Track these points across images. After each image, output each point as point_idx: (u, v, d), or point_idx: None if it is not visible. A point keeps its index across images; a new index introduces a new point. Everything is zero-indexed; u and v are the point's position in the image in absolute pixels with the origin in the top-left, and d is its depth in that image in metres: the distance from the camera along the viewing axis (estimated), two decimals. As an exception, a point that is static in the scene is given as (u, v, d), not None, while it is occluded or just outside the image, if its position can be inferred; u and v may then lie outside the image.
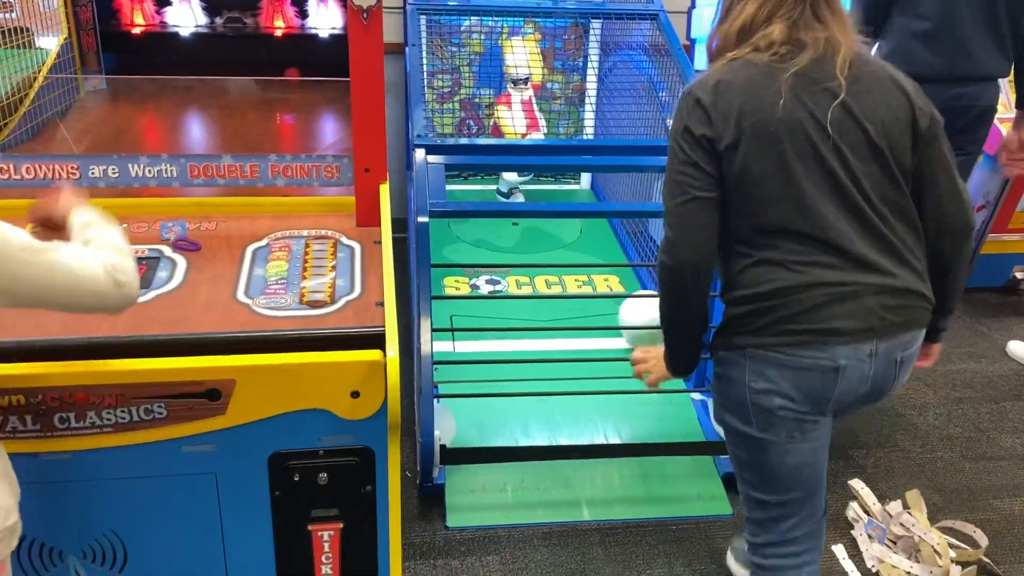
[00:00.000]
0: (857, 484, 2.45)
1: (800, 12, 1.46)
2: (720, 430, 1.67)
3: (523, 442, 2.53)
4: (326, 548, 1.57)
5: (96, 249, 1.20)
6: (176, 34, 3.34)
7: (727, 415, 1.59)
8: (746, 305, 1.49)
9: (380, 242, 1.82)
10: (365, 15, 1.80)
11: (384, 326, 1.49)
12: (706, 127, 1.44)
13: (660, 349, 1.70)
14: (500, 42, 3.87)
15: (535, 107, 3.80)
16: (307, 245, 1.83)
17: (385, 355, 1.42)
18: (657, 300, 1.60)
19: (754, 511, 1.67)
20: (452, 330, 2.84)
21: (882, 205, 1.46)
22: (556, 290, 3.37)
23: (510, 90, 3.74)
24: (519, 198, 4.00)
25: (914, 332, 1.52)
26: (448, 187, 4.14)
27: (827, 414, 1.53)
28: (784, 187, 1.43)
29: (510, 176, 4.08)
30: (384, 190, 1.92)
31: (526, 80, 3.72)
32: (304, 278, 1.69)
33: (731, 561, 2.18)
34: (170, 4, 3.33)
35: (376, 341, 1.47)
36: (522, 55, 3.67)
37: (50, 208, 1.34)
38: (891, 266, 1.46)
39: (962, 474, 2.63)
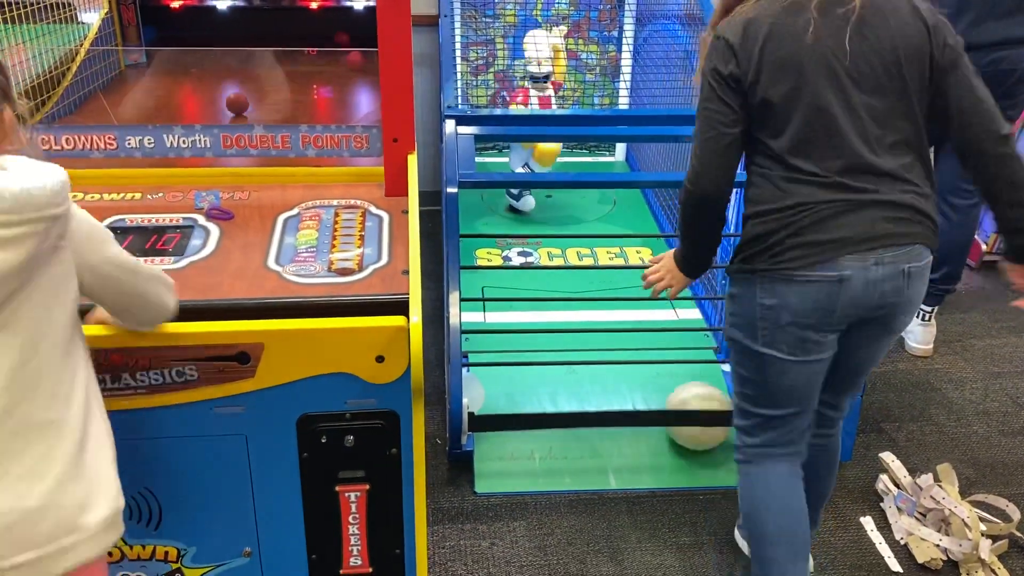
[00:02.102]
0: (888, 457, 2.43)
1: None
2: (729, 345, 1.77)
3: (551, 411, 2.55)
4: (353, 509, 1.61)
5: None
6: (214, 8, 3.38)
7: (736, 331, 1.69)
8: (766, 223, 1.58)
9: (408, 211, 1.85)
10: (393, -15, 1.80)
11: (408, 293, 1.51)
12: (733, 66, 1.54)
13: (669, 259, 1.83)
14: (534, 13, 3.85)
15: (553, 106, 3.58)
16: (337, 214, 1.86)
17: (409, 321, 1.45)
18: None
19: (746, 419, 1.78)
20: (483, 300, 2.86)
21: (892, 134, 1.53)
22: (588, 262, 3.37)
23: (528, 86, 3.51)
24: (530, 201, 3.72)
25: (919, 247, 1.58)
26: (483, 159, 4.17)
27: (833, 329, 1.60)
28: (803, 112, 1.52)
29: (516, 165, 3.75)
30: (412, 160, 1.94)
31: (547, 78, 3.49)
32: (333, 247, 1.72)
33: (738, 536, 2.18)
34: (208, -22, 3.37)
35: (401, 308, 1.49)
36: (544, 49, 3.44)
37: None
38: (895, 185, 1.54)
39: (997, 448, 2.59)
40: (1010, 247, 1.60)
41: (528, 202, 3.69)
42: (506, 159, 4.22)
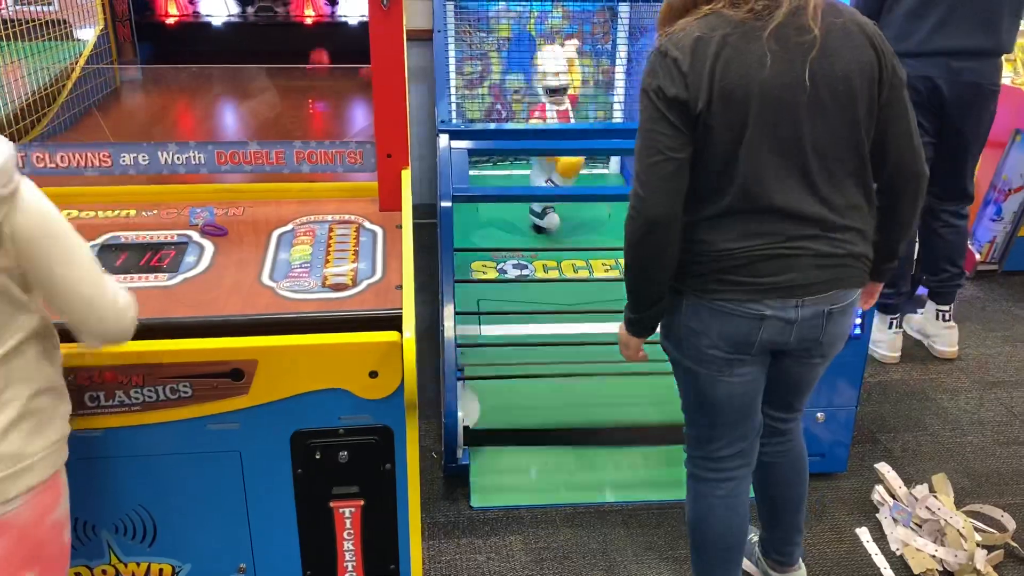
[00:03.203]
0: (883, 468, 2.44)
1: None
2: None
3: (547, 425, 2.56)
4: (347, 524, 1.61)
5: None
6: (209, 24, 3.41)
7: (667, 343, 1.70)
8: (695, 254, 1.55)
9: (402, 226, 1.86)
10: (385, 2, 1.82)
11: (402, 308, 1.52)
12: (681, 89, 1.44)
13: (620, 333, 1.76)
14: (528, 27, 3.87)
15: (572, 120, 3.49)
16: (331, 230, 1.87)
17: (402, 336, 1.45)
18: None
19: (690, 428, 1.79)
20: (478, 313, 2.87)
21: (837, 168, 1.50)
22: (583, 274, 3.38)
23: (545, 100, 3.43)
24: (554, 218, 3.64)
25: (847, 290, 1.59)
26: (479, 172, 4.18)
27: (755, 356, 1.62)
28: (752, 154, 1.46)
29: (538, 180, 3.65)
30: (406, 175, 1.95)
31: (564, 90, 3.41)
32: (327, 262, 1.72)
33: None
34: (203, -6, 3.40)
35: (394, 323, 1.50)
36: (560, 62, 3.38)
37: None
38: (834, 229, 1.52)
39: (993, 458, 2.60)
40: (874, 270, 1.65)
41: (553, 220, 3.63)
42: (503, 172, 4.24)
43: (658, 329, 1.71)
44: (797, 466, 1.89)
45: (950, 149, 2.82)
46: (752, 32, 1.43)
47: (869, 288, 1.75)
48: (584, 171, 4.36)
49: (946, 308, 3.08)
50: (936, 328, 3.11)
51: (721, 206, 1.50)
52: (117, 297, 1.27)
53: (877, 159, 1.55)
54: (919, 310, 3.22)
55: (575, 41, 3.51)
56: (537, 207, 3.67)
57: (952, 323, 3.09)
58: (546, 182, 3.54)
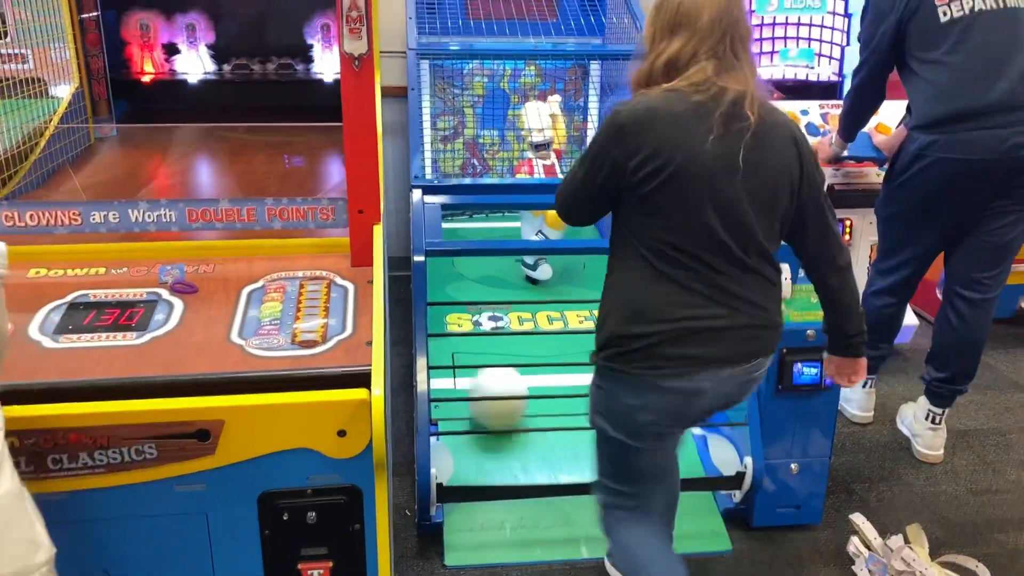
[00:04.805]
0: (858, 519, 2.43)
1: (723, 50, 1.56)
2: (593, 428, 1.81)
3: (522, 479, 2.53)
4: (316, 586, 1.58)
5: None
6: (185, 81, 3.44)
7: (600, 419, 1.73)
8: (632, 326, 1.60)
9: (373, 281, 1.86)
10: (356, 63, 1.85)
11: (371, 365, 1.51)
12: (625, 155, 1.55)
13: None
14: (502, 84, 3.93)
15: (559, 175, 3.47)
16: (302, 286, 1.87)
17: (370, 393, 1.45)
18: None
19: (608, 497, 1.82)
20: (453, 367, 2.86)
21: (762, 247, 1.60)
22: (558, 326, 3.39)
23: (531, 156, 3.48)
24: (547, 269, 3.67)
25: (766, 357, 1.69)
26: (455, 225, 4.21)
27: (687, 427, 1.73)
28: (691, 223, 1.55)
29: (528, 233, 3.65)
30: (378, 231, 1.96)
31: (548, 145, 3.46)
32: (297, 318, 1.72)
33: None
34: (179, 52, 3.44)
35: (363, 380, 1.50)
36: (544, 117, 3.43)
37: None
38: (758, 306, 1.62)
39: (966, 508, 2.60)
40: (830, 346, 1.83)
41: (545, 271, 3.67)
42: (478, 224, 4.26)
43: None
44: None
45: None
46: (704, 113, 1.53)
47: (853, 364, 1.83)
48: (558, 223, 4.41)
49: (938, 410, 2.80)
50: (922, 427, 2.85)
51: (653, 270, 1.58)
52: None
53: (801, 250, 1.71)
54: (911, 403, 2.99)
55: (558, 97, 3.57)
56: (529, 259, 3.71)
57: (942, 426, 2.82)
58: (536, 234, 3.57)
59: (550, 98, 3.57)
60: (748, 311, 1.61)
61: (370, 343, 1.61)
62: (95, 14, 3.12)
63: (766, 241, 1.60)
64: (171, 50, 3.44)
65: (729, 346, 1.60)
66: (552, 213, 3.45)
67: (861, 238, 3.32)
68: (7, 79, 2.48)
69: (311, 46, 3.55)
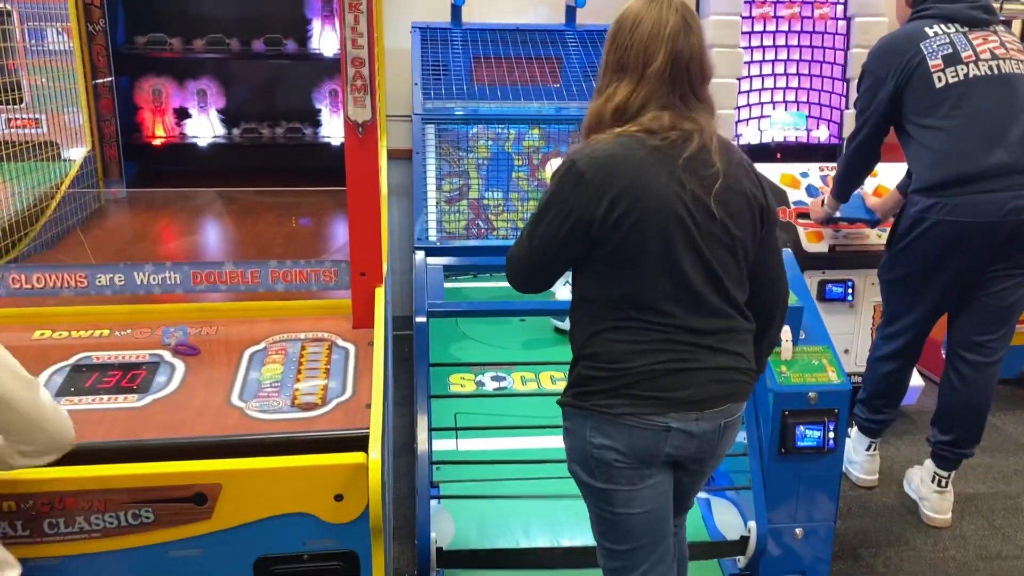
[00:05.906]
0: (866, 586, 2.39)
1: (675, 99, 1.53)
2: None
3: (524, 544, 2.50)
4: (312, 654, 1.56)
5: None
6: (195, 144, 3.51)
7: (574, 466, 1.69)
8: (600, 369, 1.58)
9: (374, 344, 1.87)
10: (360, 129, 1.90)
11: (369, 428, 1.52)
12: (589, 203, 1.50)
13: None
14: (506, 147, 4.00)
15: None
16: (303, 348, 1.88)
17: (368, 457, 1.45)
18: None
19: (608, 561, 1.75)
20: (455, 428, 2.85)
21: (732, 291, 1.59)
22: (561, 386, 3.37)
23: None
24: None
25: (739, 403, 1.66)
26: (459, 285, 4.23)
27: (660, 467, 1.64)
28: (660, 272, 1.53)
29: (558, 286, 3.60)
30: (379, 293, 1.98)
31: None
32: (298, 380, 1.73)
33: None
34: (190, 116, 3.51)
35: (361, 443, 1.50)
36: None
37: None
38: (730, 349, 1.60)
39: (976, 574, 2.55)
40: None
41: None
42: (483, 284, 4.28)
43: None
44: (682, 567, 1.94)
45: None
46: (665, 160, 1.51)
47: None
48: (562, 283, 4.43)
49: (944, 474, 2.76)
50: (928, 490, 2.80)
51: (621, 319, 1.56)
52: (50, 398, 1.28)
53: (757, 289, 1.67)
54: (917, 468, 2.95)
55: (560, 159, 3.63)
56: (563, 326, 3.68)
57: (948, 488, 2.77)
58: (564, 285, 3.59)
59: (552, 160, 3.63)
60: (719, 358, 1.58)
61: (369, 405, 1.62)
62: (109, 79, 3.20)
63: (734, 288, 1.59)
64: (182, 114, 3.52)
65: (699, 389, 1.57)
66: None
67: (863, 300, 3.32)
68: (22, 143, 2.54)
69: (319, 111, 3.63)
